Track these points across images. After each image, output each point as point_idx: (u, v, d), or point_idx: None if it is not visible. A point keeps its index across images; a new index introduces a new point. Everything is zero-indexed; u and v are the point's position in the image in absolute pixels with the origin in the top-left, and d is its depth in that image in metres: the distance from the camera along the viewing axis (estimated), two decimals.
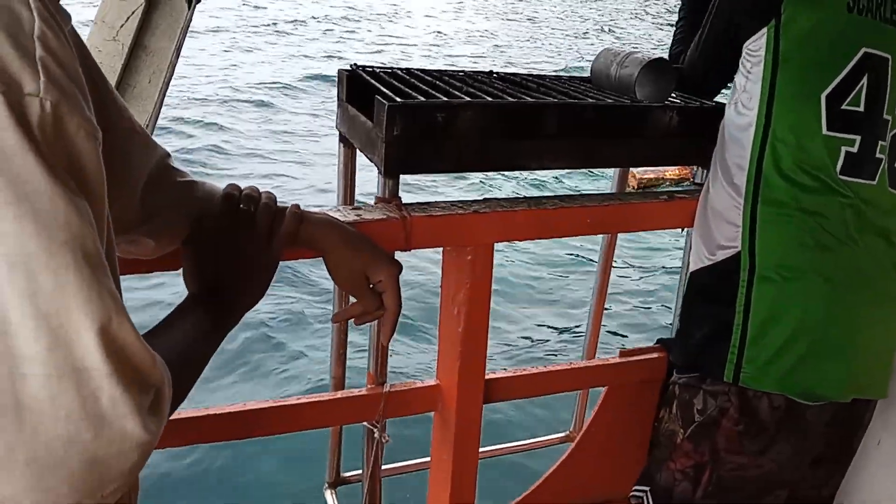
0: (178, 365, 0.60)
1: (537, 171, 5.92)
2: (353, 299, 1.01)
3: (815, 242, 1.14)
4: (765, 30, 1.13)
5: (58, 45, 0.49)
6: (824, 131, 1.12)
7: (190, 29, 1.24)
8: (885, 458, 1.49)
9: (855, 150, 1.12)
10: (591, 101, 1.26)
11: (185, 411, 1.14)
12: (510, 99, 1.20)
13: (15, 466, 0.47)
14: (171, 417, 1.10)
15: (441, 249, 1.24)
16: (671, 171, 6.79)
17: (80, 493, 0.49)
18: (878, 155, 1.15)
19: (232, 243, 0.85)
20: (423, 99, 1.12)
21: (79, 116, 0.49)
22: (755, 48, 1.15)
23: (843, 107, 1.12)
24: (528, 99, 1.21)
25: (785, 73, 1.12)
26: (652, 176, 6.87)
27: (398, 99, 1.10)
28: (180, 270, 0.88)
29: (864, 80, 1.12)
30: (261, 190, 0.92)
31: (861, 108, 1.13)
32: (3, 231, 0.45)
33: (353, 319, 1.03)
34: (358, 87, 1.28)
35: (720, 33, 1.23)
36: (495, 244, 1.22)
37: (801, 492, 1.30)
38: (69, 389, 0.48)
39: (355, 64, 1.34)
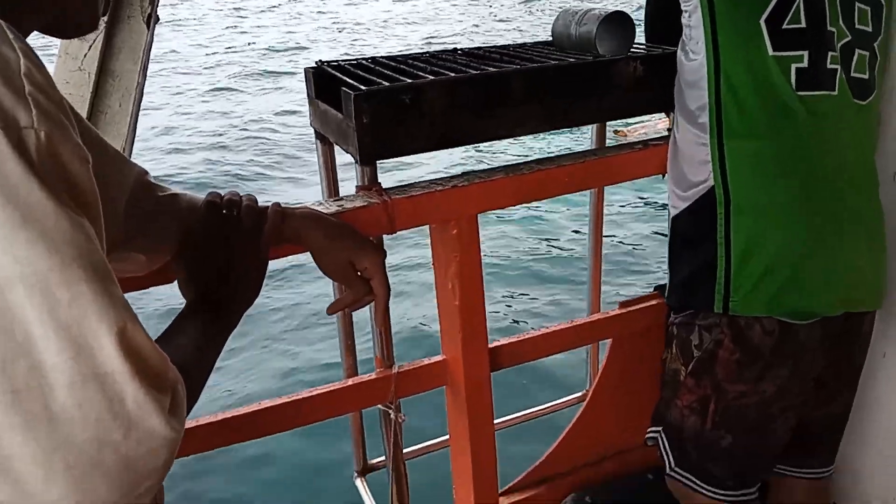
0: (187, 369, 0.63)
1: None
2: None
3: (782, 168, 1.17)
4: None
5: (42, 79, 0.52)
6: (770, 52, 1.15)
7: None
8: (893, 370, 1.52)
9: (805, 64, 1.15)
10: (553, 62, 1.28)
11: (203, 417, 1.18)
12: (473, 72, 1.22)
13: (55, 473, 0.50)
14: (190, 424, 1.14)
15: (427, 229, 1.27)
16: (663, 122, 6.77)
17: (118, 491, 0.52)
18: (829, 65, 1.17)
19: (221, 248, 0.88)
20: (387, 84, 1.15)
21: (70, 142, 0.53)
22: None
23: (785, 26, 1.15)
24: (491, 69, 1.23)
25: (721, 12, 1.15)
26: (643, 130, 6.85)
27: (363, 87, 1.12)
28: (175, 282, 0.91)
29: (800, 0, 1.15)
30: (241, 193, 0.95)
31: (803, 24, 1.15)
32: (17, 254, 0.49)
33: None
34: (325, 82, 1.31)
35: None
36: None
37: (809, 413, 1.33)
38: (95, 394, 0.51)
39: (320, 60, 1.36)
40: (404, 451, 1.49)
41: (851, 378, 1.39)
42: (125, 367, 0.52)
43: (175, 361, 0.60)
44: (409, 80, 1.16)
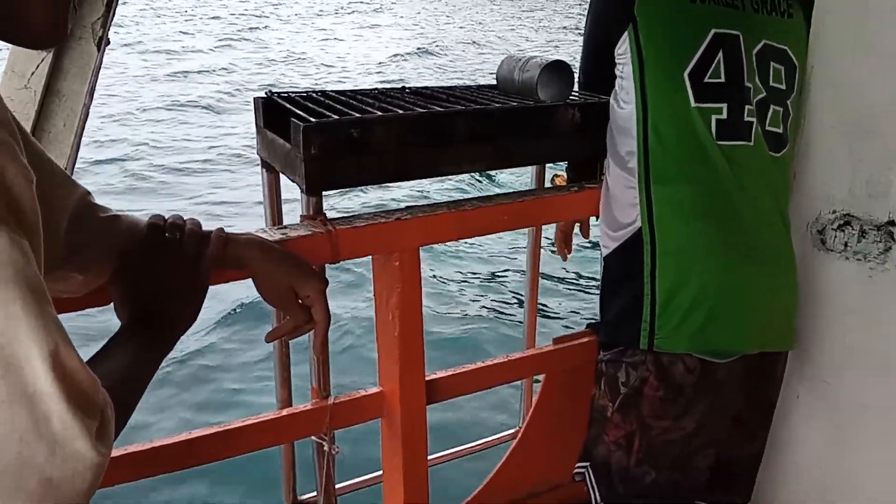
0: (118, 391, 0.63)
1: None
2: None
3: (703, 212, 1.25)
4: (626, 34, 1.27)
5: None
6: (693, 104, 1.25)
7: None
8: (805, 410, 1.59)
9: (724, 116, 1.26)
10: (496, 105, 1.33)
11: (131, 445, 1.15)
12: (420, 110, 1.26)
13: None
14: (118, 453, 1.11)
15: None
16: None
17: None
18: (746, 118, 1.28)
19: (161, 271, 0.88)
20: (336, 117, 1.18)
21: (16, 162, 0.53)
22: (622, 52, 1.29)
23: (706, 80, 1.25)
24: (437, 108, 1.28)
25: (649, 65, 1.26)
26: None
27: (312, 119, 1.15)
28: (111, 304, 0.90)
29: (720, 56, 1.26)
30: (184, 217, 0.95)
31: (723, 79, 1.26)
32: None
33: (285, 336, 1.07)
34: (274, 112, 1.33)
35: (595, 42, 1.37)
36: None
37: (728, 450, 1.39)
38: (22, 413, 0.51)
39: (270, 91, 1.38)
40: (336, 486, 1.47)
41: (767, 418, 1.46)
42: (54, 387, 0.52)
43: (106, 384, 0.60)
44: (358, 115, 1.19)
